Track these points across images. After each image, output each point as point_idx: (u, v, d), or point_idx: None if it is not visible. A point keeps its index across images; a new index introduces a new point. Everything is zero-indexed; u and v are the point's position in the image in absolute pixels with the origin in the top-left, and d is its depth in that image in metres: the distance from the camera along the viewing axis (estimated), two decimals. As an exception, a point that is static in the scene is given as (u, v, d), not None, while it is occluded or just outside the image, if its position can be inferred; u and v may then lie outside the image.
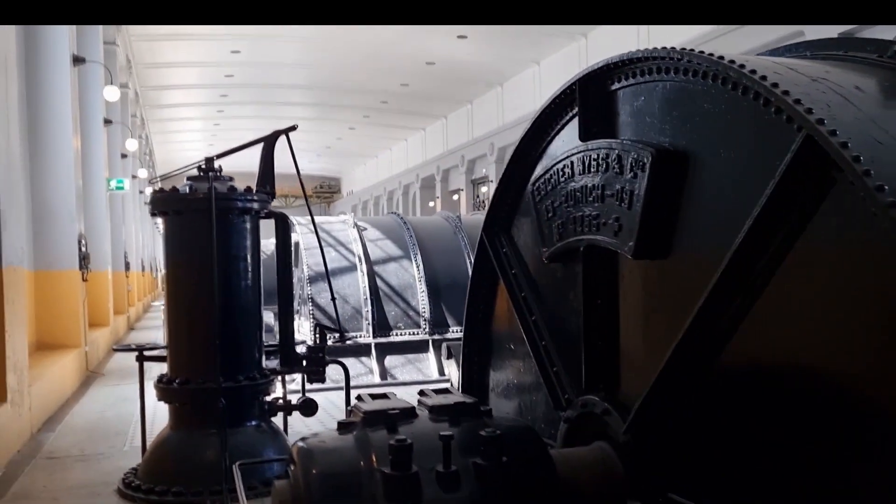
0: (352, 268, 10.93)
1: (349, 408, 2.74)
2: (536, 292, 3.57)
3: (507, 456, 2.29)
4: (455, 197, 41.86)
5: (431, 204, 42.97)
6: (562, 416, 3.08)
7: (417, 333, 10.93)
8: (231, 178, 5.92)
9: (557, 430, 3.08)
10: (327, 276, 6.65)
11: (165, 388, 5.76)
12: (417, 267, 11.25)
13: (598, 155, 2.93)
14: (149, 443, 6.14)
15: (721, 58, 2.14)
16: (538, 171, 3.49)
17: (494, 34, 25.40)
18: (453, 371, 7.06)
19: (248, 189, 5.87)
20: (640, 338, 2.77)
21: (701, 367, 2.28)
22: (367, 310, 10.50)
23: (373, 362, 10.39)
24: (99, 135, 15.60)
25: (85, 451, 7.20)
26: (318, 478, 2.26)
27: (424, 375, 10.76)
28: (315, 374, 6.19)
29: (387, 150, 49.98)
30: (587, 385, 2.99)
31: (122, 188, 17.33)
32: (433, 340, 10.93)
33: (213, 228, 5.52)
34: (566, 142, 3.31)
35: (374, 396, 2.84)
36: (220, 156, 6.05)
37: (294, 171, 5.95)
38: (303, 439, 2.48)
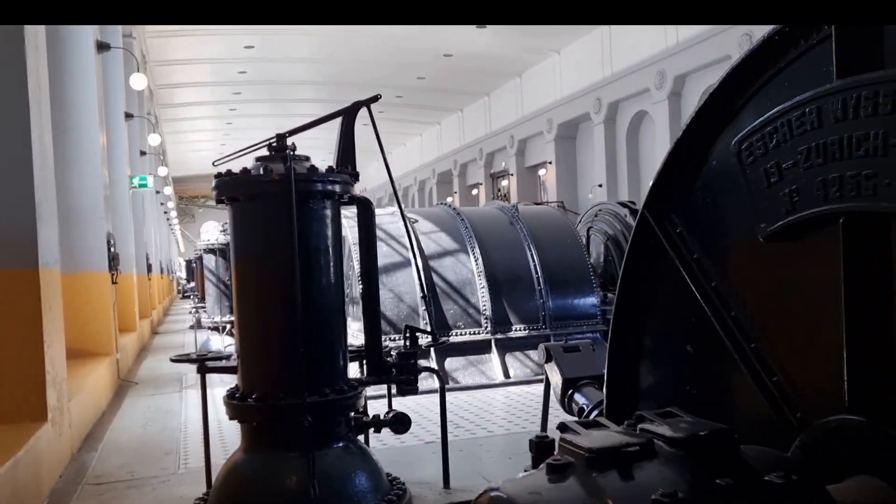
0: (405, 263, 10.05)
1: (536, 438, 1.90)
2: (738, 281, 2.69)
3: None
4: (474, 192, 41.03)
5: (450, 199, 42.10)
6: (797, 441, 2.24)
7: (478, 333, 10.06)
8: (307, 158, 5.07)
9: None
10: (418, 269, 5.76)
11: (239, 406, 4.89)
12: (476, 261, 10.38)
13: (872, 93, 2.04)
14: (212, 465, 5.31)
15: None
16: (745, 127, 2.61)
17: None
18: (554, 375, 6.19)
19: (331, 169, 5.01)
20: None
21: None
22: (423, 309, 9.64)
23: (432, 365, 9.52)
24: (121, 128, 14.77)
25: (136, 475, 6.35)
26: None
27: (488, 378, 9.90)
28: (407, 383, 5.33)
29: (401, 145, 49.19)
30: (851, 400, 2.12)
31: (145, 185, 16.50)
32: (496, 340, 10.08)
33: (293, 215, 4.67)
34: (796, 85, 2.43)
35: (584, 424, 2.00)
36: (291, 132, 5.19)
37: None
38: (494, 489, 1.66)
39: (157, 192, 25.91)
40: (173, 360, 5.70)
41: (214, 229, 13.99)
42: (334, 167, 5.11)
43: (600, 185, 32.46)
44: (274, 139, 5.08)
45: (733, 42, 23.14)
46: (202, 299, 22.53)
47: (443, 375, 9.11)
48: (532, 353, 10.31)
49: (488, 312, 10.16)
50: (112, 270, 10.78)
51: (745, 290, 2.57)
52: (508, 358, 10.09)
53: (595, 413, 5.58)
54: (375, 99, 5.40)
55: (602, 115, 33.00)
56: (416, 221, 10.76)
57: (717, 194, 2.77)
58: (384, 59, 28.96)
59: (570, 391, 6.15)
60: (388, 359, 5.35)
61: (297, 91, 36.39)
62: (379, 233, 10.32)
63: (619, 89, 31.60)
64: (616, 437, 1.78)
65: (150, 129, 20.73)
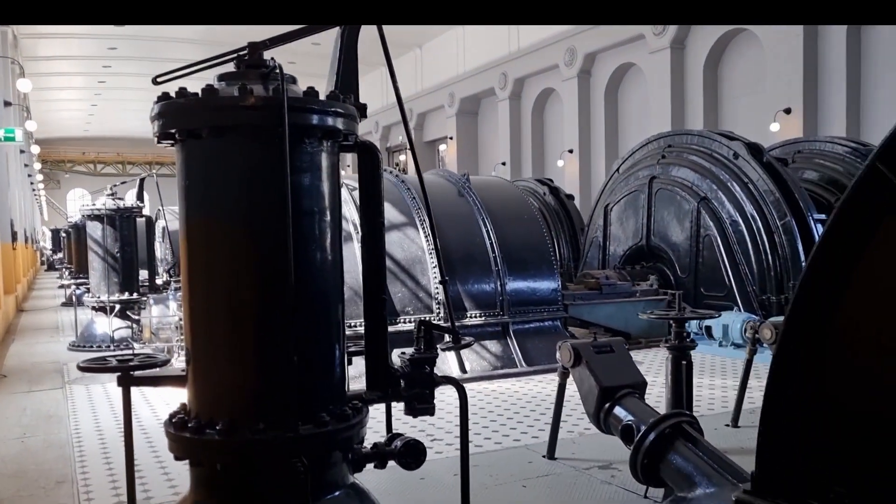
0: (347, 236, 8.47)
1: None
2: None
3: None
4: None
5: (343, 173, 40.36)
6: None
7: (430, 320, 8.61)
8: (294, 79, 3.49)
9: None
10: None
11: (194, 441, 3.29)
12: (426, 237, 8.91)
13: None
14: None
15: None
16: None
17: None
18: (585, 382, 4.89)
19: (334, 95, 3.45)
20: None
21: None
22: (440, 298, 8.13)
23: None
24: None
25: (17, 518, 4.63)
26: None
27: (441, 374, 8.46)
28: (420, 400, 3.84)
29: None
30: None
31: (12, 139, 14.10)
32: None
33: (286, 161, 3.12)
34: None
35: None
36: (271, 42, 3.60)
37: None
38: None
39: (22, 152, 23.02)
40: (83, 369, 3.98)
41: (84, 197, 11.95)
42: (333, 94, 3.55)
43: (504, 164, 31.52)
44: (245, 50, 3.48)
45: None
46: (77, 273, 20.10)
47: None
48: (490, 343, 8.98)
49: (441, 296, 8.74)
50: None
51: None
52: (464, 350, 8.71)
53: (652, 437, 4.33)
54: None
55: (507, 91, 31.97)
56: (355, 189, 9.17)
57: None
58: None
59: (608, 403, 4.87)
60: (397, 367, 3.88)
61: (178, 49, 33.75)
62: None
63: (527, 65, 30.65)
64: None
65: (14, 75, 18.06)
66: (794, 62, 20.52)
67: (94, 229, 11.56)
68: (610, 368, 4.90)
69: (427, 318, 8.41)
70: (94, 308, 11.77)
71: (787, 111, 20.72)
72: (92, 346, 11.38)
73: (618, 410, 4.69)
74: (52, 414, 7.40)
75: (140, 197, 12.38)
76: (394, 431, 3.95)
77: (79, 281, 15.86)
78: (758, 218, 10.92)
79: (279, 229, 3.23)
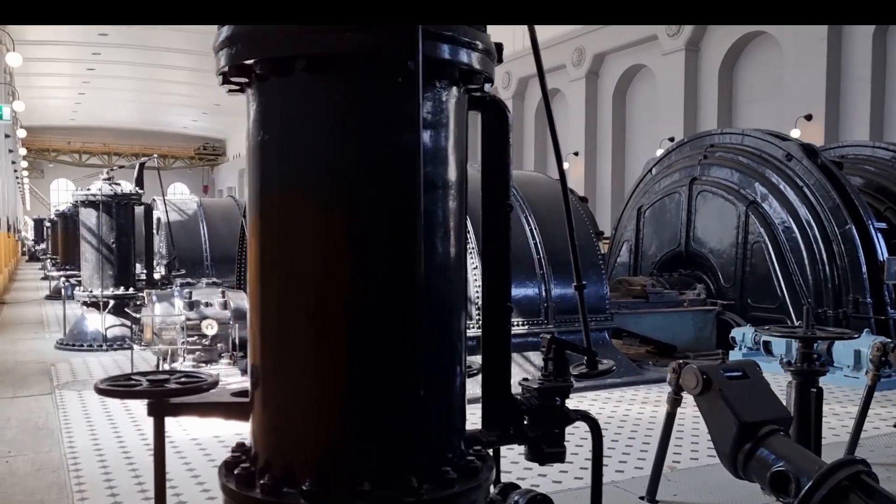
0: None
1: None
2: None
3: None
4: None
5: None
6: None
7: (468, 327, 7.68)
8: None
9: None
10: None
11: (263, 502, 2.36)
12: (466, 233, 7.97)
13: None
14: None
15: None
16: None
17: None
18: (719, 415, 4.00)
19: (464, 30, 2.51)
20: None
21: None
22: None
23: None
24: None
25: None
26: None
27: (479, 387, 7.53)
28: (549, 442, 2.92)
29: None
30: None
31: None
32: (491, 338, 7.73)
33: (419, 110, 2.22)
34: None
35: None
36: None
37: None
38: None
39: (7, 137, 21.87)
40: (104, 392, 3.00)
41: (68, 187, 10.94)
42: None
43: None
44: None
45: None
46: (64, 264, 19.00)
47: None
48: (533, 355, 8.05)
49: (479, 300, 7.79)
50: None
51: None
52: (507, 362, 7.77)
53: (825, 492, 3.46)
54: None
55: (511, 91, 31.18)
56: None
57: None
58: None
59: (749, 444, 3.95)
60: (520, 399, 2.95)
61: (171, 38, 32.78)
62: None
63: (532, 64, 29.55)
64: None
65: (3, 48, 16.97)
66: (816, 67, 19.78)
67: (89, 217, 10.53)
68: (747, 398, 3.98)
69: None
70: (85, 303, 10.74)
71: (808, 118, 19.98)
72: (82, 345, 10.33)
73: (763, 453, 3.78)
74: (42, 426, 6.39)
75: (139, 183, 11.36)
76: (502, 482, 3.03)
77: (68, 273, 14.77)
78: (814, 224, 10.05)
79: (400, 207, 2.32)
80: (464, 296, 2.70)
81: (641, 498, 4.79)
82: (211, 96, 43.99)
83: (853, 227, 9.83)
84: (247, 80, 2.43)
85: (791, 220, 10.21)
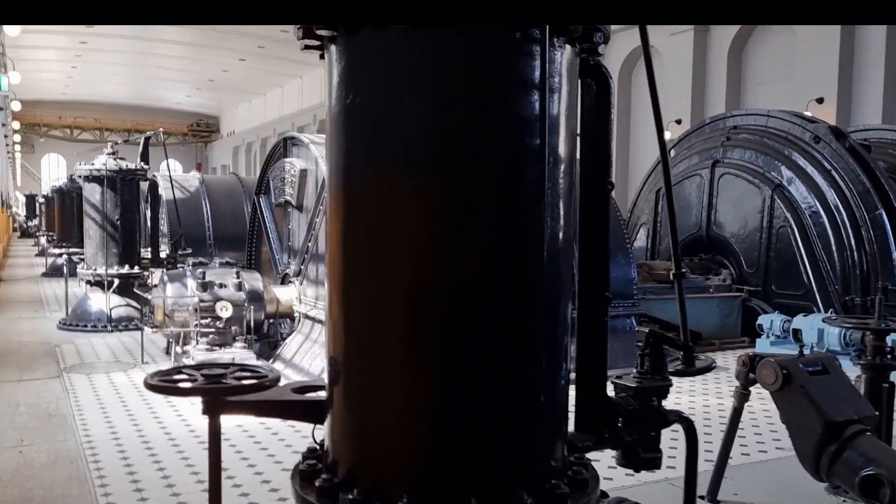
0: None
1: None
2: None
3: None
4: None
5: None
6: None
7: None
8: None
9: None
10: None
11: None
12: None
13: None
14: None
15: None
16: None
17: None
18: (801, 413, 3.72)
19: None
20: None
21: None
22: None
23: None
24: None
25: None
26: None
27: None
28: (646, 446, 2.64)
29: (278, 87, 45.20)
30: None
31: (-2, 90, 12.56)
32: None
33: (545, 69, 1.92)
34: None
35: None
36: None
37: None
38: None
39: (1, 110, 21.38)
40: (154, 388, 2.68)
41: (59, 163, 10.55)
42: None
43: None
44: None
45: None
46: (61, 242, 18.60)
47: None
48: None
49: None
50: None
51: None
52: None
53: None
54: None
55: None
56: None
57: None
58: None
59: (835, 445, 3.67)
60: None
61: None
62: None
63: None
64: None
65: None
66: (829, 49, 19.42)
67: (93, 192, 10.15)
68: (831, 396, 3.69)
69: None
70: (89, 282, 10.38)
71: (820, 101, 19.65)
72: (86, 326, 9.98)
73: (850, 455, 3.49)
74: (54, 412, 6.07)
75: (144, 158, 10.96)
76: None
77: (71, 251, 14.38)
78: (842, 209, 9.75)
79: (517, 182, 2.03)
80: (571, 284, 2.40)
81: (701, 497, 4.51)
82: (205, 71, 43.37)
83: (883, 213, 9.55)
84: (331, 33, 2.12)
85: (818, 204, 9.92)
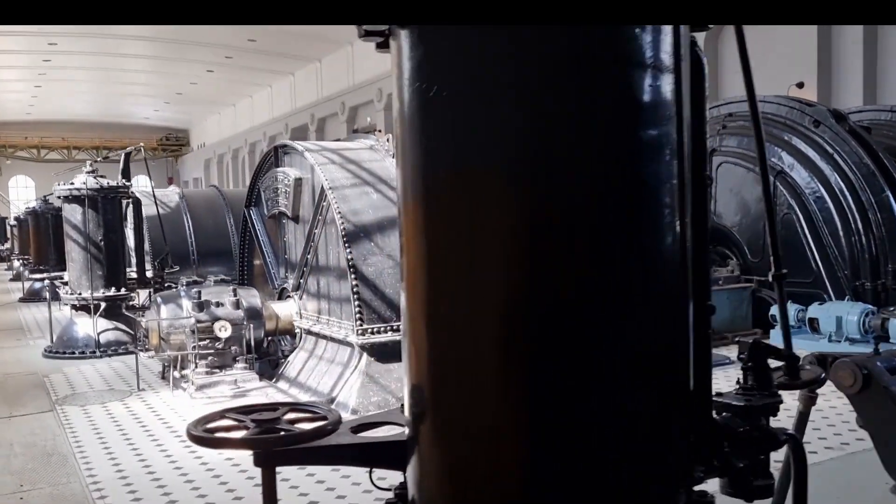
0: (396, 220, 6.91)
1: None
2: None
3: None
4: (338, 147, 37.53)
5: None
6: None
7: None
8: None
9: None
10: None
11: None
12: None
13: None
14: None
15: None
16: None
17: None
18: (881, 410, 3.45)
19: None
20: None
21: None
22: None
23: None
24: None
25: None
26: None
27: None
28: (757, 472, 2.37)
29: (247, 97, 44.59)
30: None
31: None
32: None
33: (678, 55, 1.63)
34: None
35: None
36: None
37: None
38: None
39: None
40: (200, 441, 2.33)
41: (27, 184, 10.12)
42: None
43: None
44: None
45: None
46: (37, 265, 18.04)
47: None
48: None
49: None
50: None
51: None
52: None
53: None
54: None
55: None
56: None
57: None
58: None
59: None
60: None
61: (131, 27, 31.50)
62: (363, 174, 7.18)
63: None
64: None
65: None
66: (806, 32, 19.36)
67: (73, 213, 9.71)
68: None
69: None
70: (73, 307, 9.94)
71: (800, 85, 19.57)
72: (73, 352, 9.55)
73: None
74: (52, 451, 5.67)
75: (126, 174, 10.53)
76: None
77: (52, 275, 13.86)
78: (847, 193, 9.55)
79: (638, 180, 1.75)
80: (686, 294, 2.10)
81: (767, 509, 4.22)
82: (173, 85, 42.68)
83: (890, 195, 9.37)
84: (390, 23, 1.85)
85: (822, 189, 9.71)
